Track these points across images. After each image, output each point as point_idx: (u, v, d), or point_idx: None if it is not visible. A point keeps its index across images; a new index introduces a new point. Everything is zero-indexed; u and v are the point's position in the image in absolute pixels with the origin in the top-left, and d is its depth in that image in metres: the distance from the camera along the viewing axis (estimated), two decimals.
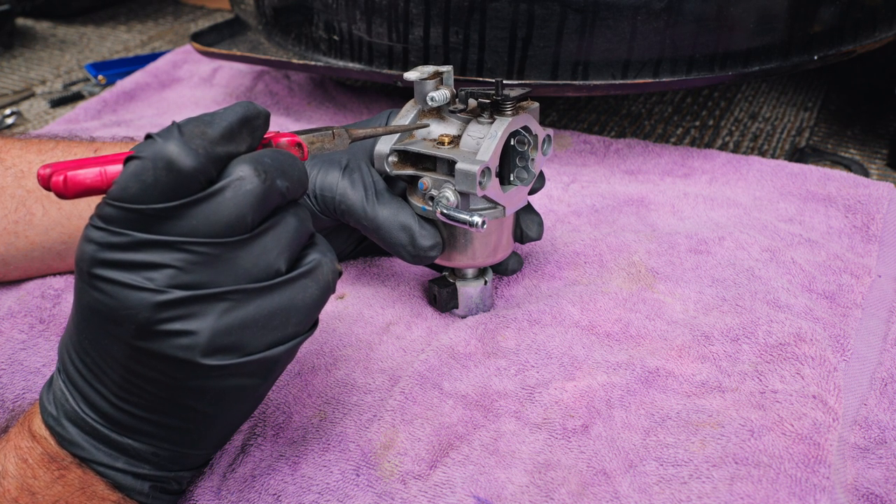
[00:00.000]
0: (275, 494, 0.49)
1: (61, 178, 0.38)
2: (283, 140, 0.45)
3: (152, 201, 0.38)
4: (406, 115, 0.58)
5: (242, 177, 0.40)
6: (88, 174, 0.39)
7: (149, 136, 0.39)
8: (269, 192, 0.40)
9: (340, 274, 0.45)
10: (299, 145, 0.46)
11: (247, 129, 0.41)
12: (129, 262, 0.38)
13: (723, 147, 0.93)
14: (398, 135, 0.58)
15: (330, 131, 0.48)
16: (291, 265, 0.43)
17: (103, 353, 0.41)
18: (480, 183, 0.54)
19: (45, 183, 0.39)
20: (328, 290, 0.44)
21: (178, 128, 0.39)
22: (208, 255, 0.39)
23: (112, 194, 0.39)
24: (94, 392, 0.42)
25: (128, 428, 0.43)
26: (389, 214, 0.58)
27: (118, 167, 0.39)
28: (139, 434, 0.43)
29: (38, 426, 0.44)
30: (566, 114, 1.01)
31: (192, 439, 0.45)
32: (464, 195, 0.56)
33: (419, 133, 0.58)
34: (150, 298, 0.38)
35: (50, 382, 0.45)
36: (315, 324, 0.45)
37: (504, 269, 0.66)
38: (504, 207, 0.57)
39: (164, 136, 0.39)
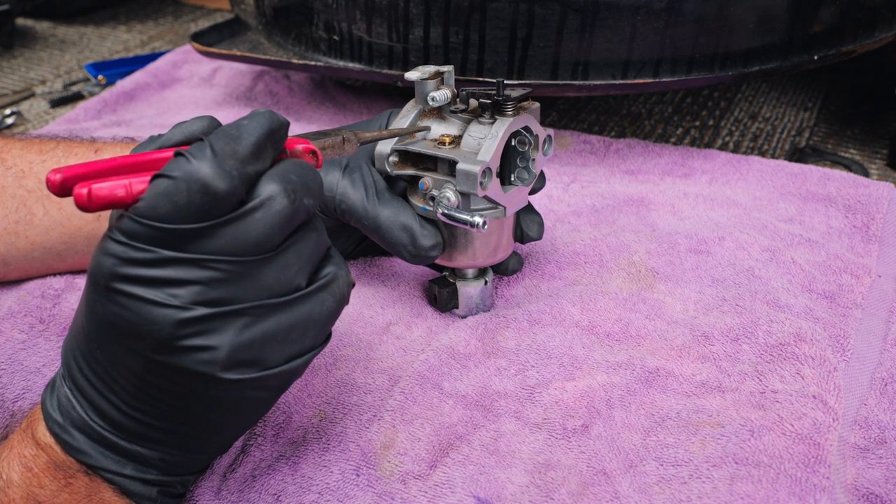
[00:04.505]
0: (275, 494, 0.49)
1: (85, 191, 0.37)
2: (299, 147, 0.44)
3: (183, 221, 0.38)
4: (407, 115, 0.58)
5: (272, 197, 0.39)
6: (115, 188, 0.38)
7: (179, 154, 0.38)
8: (297, 211, 0.40)
9: (353, 285, 0.45)
10: (313, 153, 0.45)
11: (271, 142, 0.41)
12: (153, 278, 0.38)
13: (723, 147, 0.93)
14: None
15: (340, 136, 0.48)
16: (310, 279, 0.43)
17: (117, 364, 0.41)
18: (481, 183, 0.54)
19: (56, 189, 0.38)
20: (343, 302, 0.44)
21: (210, 147, 0.38)
22: (233, 272, 0.39)
23: (139, 211, 0.38)
24: (104, 400, 0.42)
25: (138, 435, 0.42)
26: (390, 214, 0.58)
27: (142, 179, 0.39)
28: (149, 441, 0.43)
29: (43, 434, 0.43)
30: (566, 114, 1.01)
31: (202, 445, 0.45)
32: (464, 195, 0.56)
33: (420, 133, 0.58)
34: (173, 315, 0.38)
35: (52, 388, 0.44)
36: (328, 336, 0.45)
37: (504, 269, 0.66)
38: (504, 207, 0.57)
39: (197, 155, 0.38)
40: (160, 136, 0.43)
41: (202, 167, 0.38)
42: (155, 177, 0.38)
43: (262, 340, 0.40)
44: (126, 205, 0.39)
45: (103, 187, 0.38)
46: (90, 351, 0.41)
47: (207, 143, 0.39)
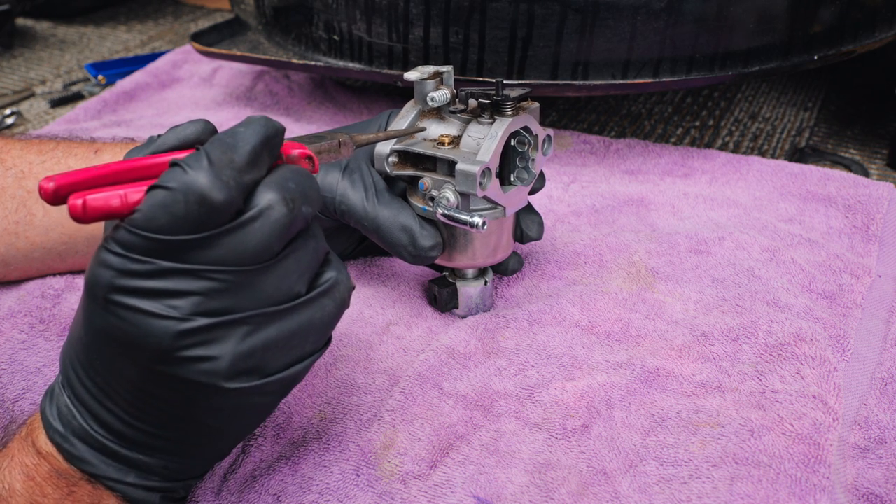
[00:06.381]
0: (275, 494, 0.49)
1: (80, 202, 0.37)
2: (295, 152, 0.44)
3: (181, 232, 0.37)
4: (406, 115, 0.58)
5: (271, 206, 0.39)
6: (110, 199, 0.38)
7: (175, 164, 0.38)
8: (296, 219, 0.40)
9: (353, 289, 0.45)
10: (310, 158, 0.44)
11: (267, 149, 0.41)
12: (151, 289, 0.38)
13: (723, 147, 0.93)
14: None
15: (336, 140, 0.47)
16: (310, 285, 0.43)
17: (116, 374, 0.40)
18: (481, 183, 0.54)
19: (49, 197, 0.37)
20: (344, 306, 0.44)
21: (206, 156, 0.38)
22: (233, 282, 0.39)
23: (136, 222, 0.38)
24: (104, 410, 0.42)
25: (139, 444, 0.42)
26: (390, 215, 0.58)
27: (138, 189, 0.38)
28: (150, 449, 0.43)
29: (44, 442, 0.43)
30: (566, 114, 1.01)
31: (203, 452, 0.45)
32: (464, 195, 0.56)
33: (419, 133, 0.58)
34: (173, 327, 0.38)
35: (51, 396, 0.44)
36: (329, 340, 0.45)
37: (504, 269, 0.66)
38: (504, 208, 0.57)
39: (194, 165, 0.38)
40: (159, 136, 0.43)
41: (199, 177, 0.37)
42: (151, 187, 0.38)
43: (263, 348, 0.40)
44: (122, 215, 0.38)
45: (98, 198, 0.37)
46: (89, 361, 0.41)
47: (204, 153, 0.38)
